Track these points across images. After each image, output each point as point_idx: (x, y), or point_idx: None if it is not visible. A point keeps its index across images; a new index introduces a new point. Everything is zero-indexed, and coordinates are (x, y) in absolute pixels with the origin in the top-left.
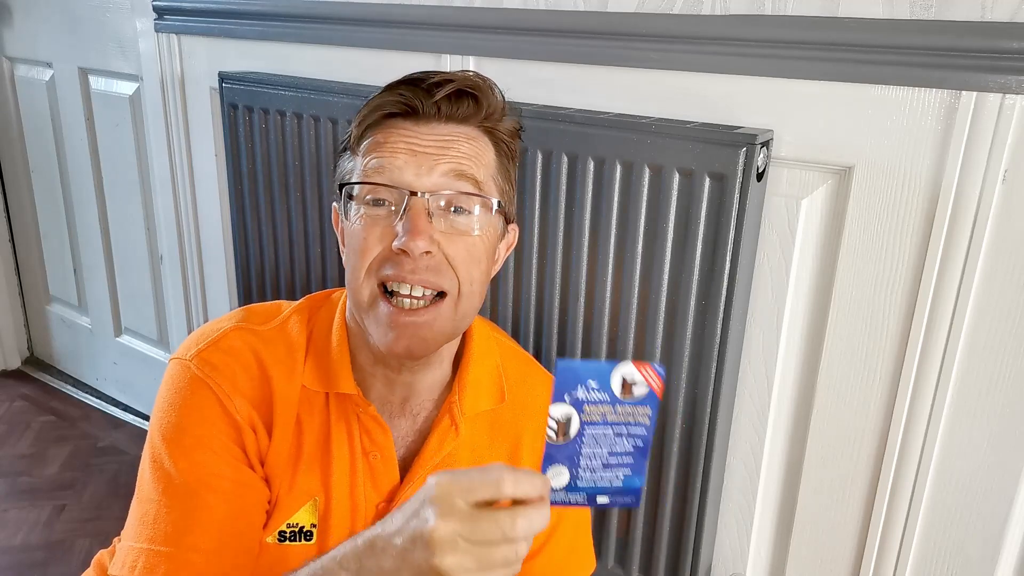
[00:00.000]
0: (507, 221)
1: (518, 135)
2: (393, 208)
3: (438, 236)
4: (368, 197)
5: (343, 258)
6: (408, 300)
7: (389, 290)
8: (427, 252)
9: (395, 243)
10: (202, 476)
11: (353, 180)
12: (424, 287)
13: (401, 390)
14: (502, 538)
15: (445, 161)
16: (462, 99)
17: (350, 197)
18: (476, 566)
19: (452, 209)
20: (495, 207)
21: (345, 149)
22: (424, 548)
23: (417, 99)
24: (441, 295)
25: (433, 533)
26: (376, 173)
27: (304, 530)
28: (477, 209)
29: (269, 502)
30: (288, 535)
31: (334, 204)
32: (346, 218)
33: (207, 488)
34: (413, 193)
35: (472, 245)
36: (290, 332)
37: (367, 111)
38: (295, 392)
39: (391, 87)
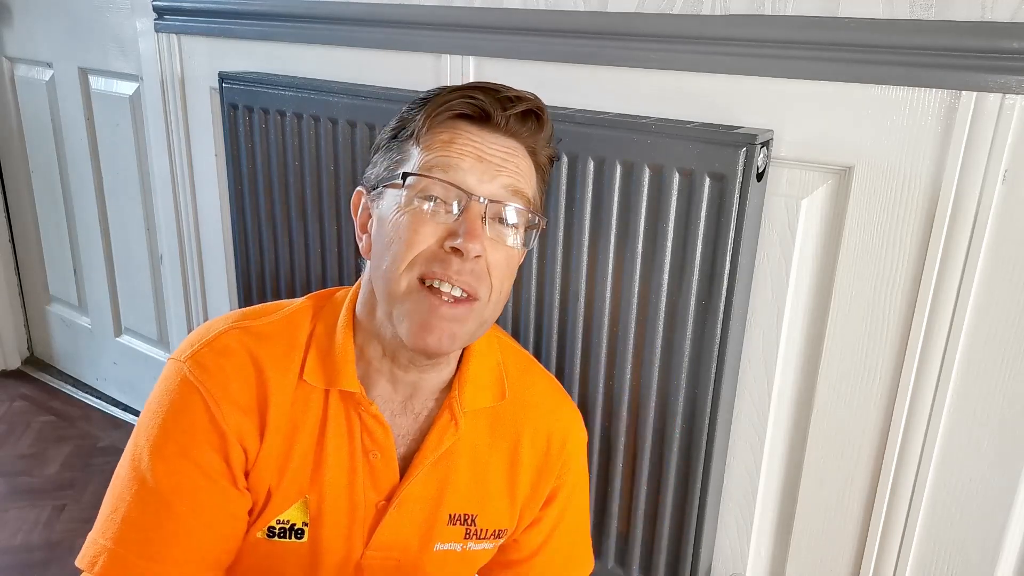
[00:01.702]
0: (538, 234)
1: (552, 163)
2: (448, 206)
3: (486, 242)
4: (423, 191)
5: (362, 243)
6: (446, 296)
7: (428, 285)
8: (477, 256)
9: (451, 242)
10: (177, 485)
11: (417, 171)
12: (464, 289)
13: (405, 388)
14: None
15: (506, 174)
16: (528, 118)
17: (404, 187)
18: None
19: (499, 219)
20: (537, 226)
21: (396, 137)
22: None
23: (491, 107)
24: (473, 298)
25: None
26: (440, 170)
27: (295, 528)
28: (522, 225)
29: (257, 501)
30: (277, 531)
31: (359, 188)
32: (383, 203)
33: (180, 498)
34: (475, 197)
35: (510, 256)
36: (292, 327)
37: (436, 105)
38: (291, 388)
39: (463, 89)
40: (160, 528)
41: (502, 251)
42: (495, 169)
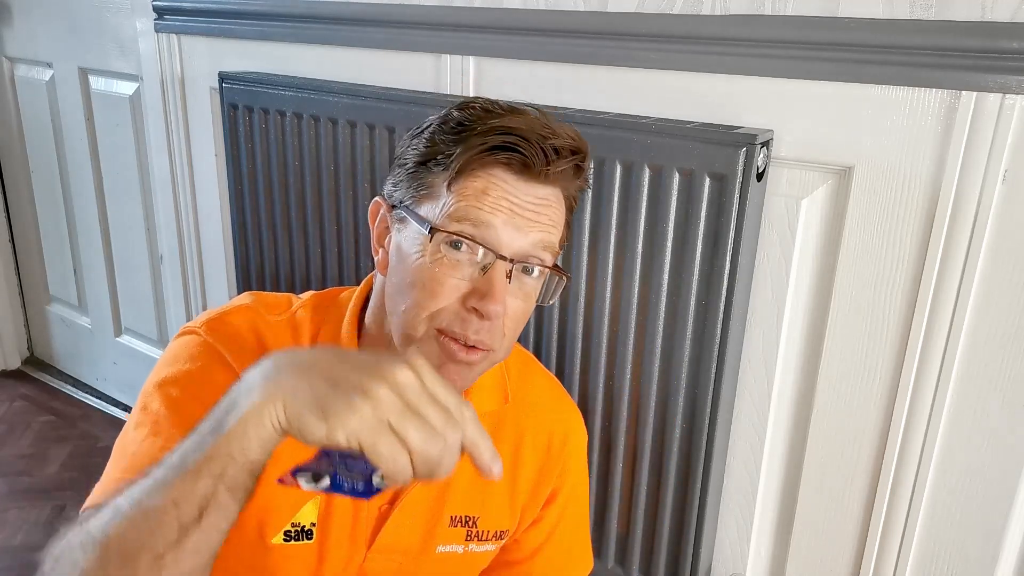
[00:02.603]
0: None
1: (581, 192)
2: (471, 258)
3: (508, 298)
4: (449, 238)
5: (378, 257)
6: (461, 343)
7: (446, 333)
8: (499, 316)
9: (473, 302)
10: (193, 423)
11: (445, 224)
12: (480, 348)
13: None
14: (443, 412)
15: (535, 231)
16: (569, 167)
17: (430, 232)
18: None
19: (523, 270)
20: (558, 278)
21: (424, 164)
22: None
23: (533, 159)
24: (487, 350)
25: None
26: (471, 224)
27: (305, 529)
28: (545, 276)
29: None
30: (293, 535)
31: (378, 198)
32: (406, 232)
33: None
34: (502, 256)
35: (528, 306)
36: (297, 329)
37: (476, 148)
38: None
39: (506, 131)
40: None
41: (521, 302)
42: (528, 225)
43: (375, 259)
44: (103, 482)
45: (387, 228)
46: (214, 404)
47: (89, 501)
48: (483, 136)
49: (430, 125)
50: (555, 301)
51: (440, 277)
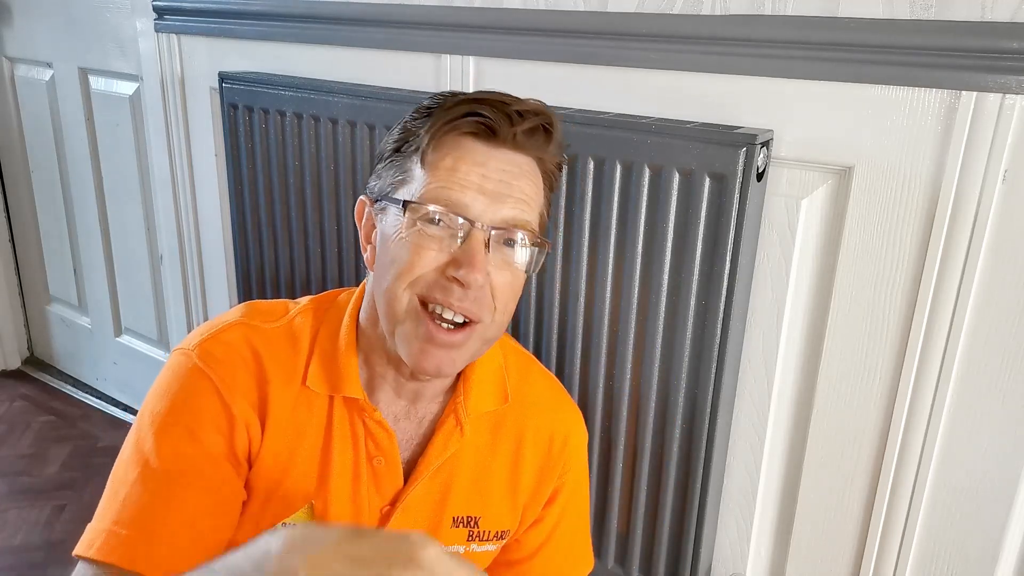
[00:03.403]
0: (542, 251)
1: (561, 169)
2: (451, 231)
3: (489, 268)
4: (426, 215)
5: (366, 254)
6: (446, 323)
7: (429, 310)
8: (481, 286)
9: (453, 271)
10: (183, 467)
11: (418, 200)
12: (466, 316)
13: (409, 394)
14: None
15: (511, 200)
16: (536, 132)
17: (404, 208)
18: None
19: (504, 242)
20: (541, 247)
21: (401, 150)
22: None
23: (498, 124)
24: (475, 322)
25: None
26: (444, 198)
27: None
28: (528, 247)
29: (256, 502)
30: None
31: (362, 197)
32: (387, 219)
33: (183, 480)
34: (477, 225)
35: (516, 278)
36: (295, 332)
37: (442, 124)
38: (293, 394)
39: (468, 103)
40: (162, 508)
41: (507, 273)
42: (501, 195)
43: (364, 258)
44: (97, 522)
45: (373, 225)
46: (204, 436)
47: (82, 546)
48: (449, 111)
49: (404, 118)
50: (536, 272)
51: (418, 249)
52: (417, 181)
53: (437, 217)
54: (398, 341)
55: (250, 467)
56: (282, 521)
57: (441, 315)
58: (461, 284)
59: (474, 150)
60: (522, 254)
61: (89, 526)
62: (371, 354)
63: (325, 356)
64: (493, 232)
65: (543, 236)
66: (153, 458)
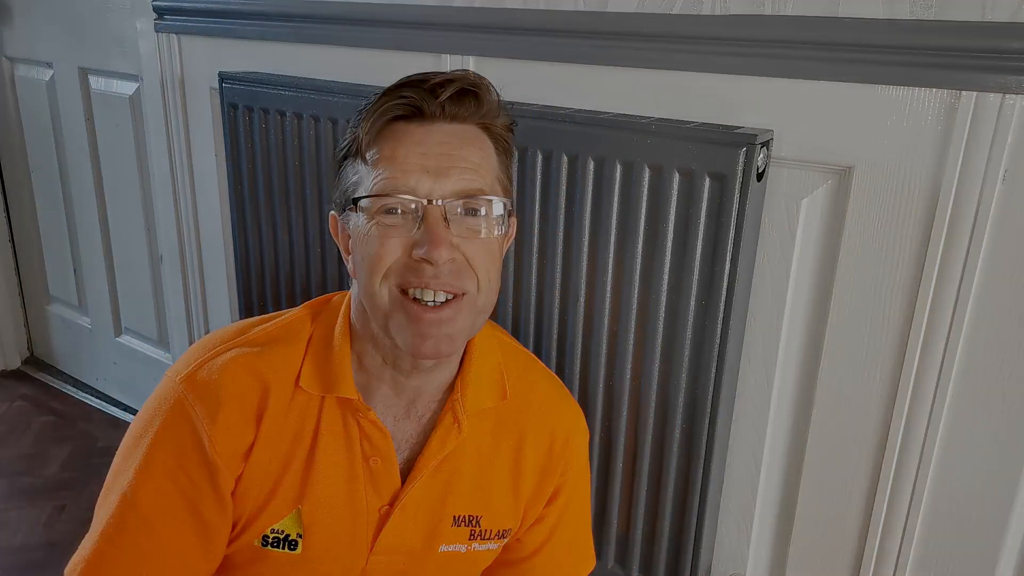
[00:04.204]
0: (509, 215)
1: (511, 130)
2: (408, 216)
3: (456, 240)
4: (382, 207)
5: (349, 266)
6: (429, 301)
7: (411, 296)
8: (450, 260)
9: (417, 252)
10: (158, 508)
11: (367, 195)
12: (447, 292)
13: (408, 393)
14: None
15: (455, 171)
16: (464, 98)
17: (360, 209)
18: None
19: (466, 212)
20: (505, 207)
21: (347, 155)
22: None
23: (422, 100)
24: (460, 295)
25: None
26: (391, 186)
27: (289, 539)
28: (490, 211)
29: (246, 515)
30: (271, 540)
31: (332, 212)
32: (352, 227)
33: (159, 521)
34: (430, 201)
35: (488, 244)
36: (291, 332)
37: (373, 118)
38: (287, 398)
39: (392, 90)
40: (135, 547)
41: (477, 242)
42: (444, 168)
43: (348, 269)
44: (87, 544)
45: (349, 235)
46: (183, 466)
47: (71, 569)
48: (376, 105)
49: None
50: (505, 231)
51: (382, 240)
52: (367, 179)
53: (391, 206)
54: (393, 334)
55: (236, 485)
56: (270, 527)
57: (424, 300)
58: (429, 262)
59: (409, 132)
60: (486, 220)
61: (80, 546)
62: (366, 355)
63: (318, 357)
64: (447, 204)
65: (507, 198)
66: (131, 494)
